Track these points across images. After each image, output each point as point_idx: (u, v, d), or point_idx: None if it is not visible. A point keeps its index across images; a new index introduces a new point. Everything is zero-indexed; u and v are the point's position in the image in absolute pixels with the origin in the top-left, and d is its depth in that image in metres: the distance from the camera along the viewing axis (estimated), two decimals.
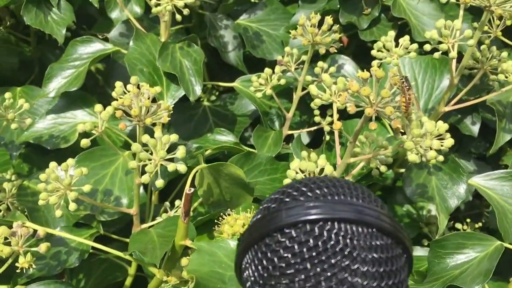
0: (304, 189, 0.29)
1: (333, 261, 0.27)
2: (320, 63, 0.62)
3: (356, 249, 0.27)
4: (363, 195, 0.29)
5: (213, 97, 0.82)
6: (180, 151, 0.46)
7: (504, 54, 0.63)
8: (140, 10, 0.72)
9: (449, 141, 0.57)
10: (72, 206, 0.48)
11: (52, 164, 0.49)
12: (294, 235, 0.27)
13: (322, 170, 0.50)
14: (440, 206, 0.56)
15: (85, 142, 0.47)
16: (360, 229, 0.28)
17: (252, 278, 0.29)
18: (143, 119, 0.49)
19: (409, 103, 0.46)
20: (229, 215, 0.50)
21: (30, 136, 0.65)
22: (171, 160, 0.47)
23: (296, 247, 0.27)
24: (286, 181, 0.48)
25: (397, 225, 0.29)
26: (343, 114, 0.62)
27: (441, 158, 0.57)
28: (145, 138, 0.47)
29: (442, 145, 0.56)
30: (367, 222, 0.28)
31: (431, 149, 0.46)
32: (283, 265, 0.27)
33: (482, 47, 0.64)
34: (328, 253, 0.27)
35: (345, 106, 0.45)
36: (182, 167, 0.46)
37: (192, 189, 0.42)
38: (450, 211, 0.57)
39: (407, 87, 0.46)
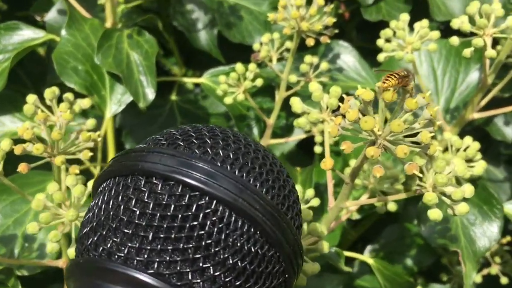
0: (205, 139, 0.24)
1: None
2: (308, 58, 0.47)
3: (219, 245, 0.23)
4: (273, 184, 0.24)
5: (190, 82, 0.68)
6: None
7: None
8: None
9: (480, 166, 0.43)
10: None
11: None
12: (159, 191, 0.23)
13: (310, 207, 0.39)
14: (466, 251, 0.43)
15: None
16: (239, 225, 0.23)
17: (95, 209, 0.24)
18: (55, 155, 0.35)
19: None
20: None
21: None
22: None
23: (150, 206, 0.23)
24: None
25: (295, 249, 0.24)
26: None
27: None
28: (52, 188, 0.33)
29: (471, 173, 0.42)
30: (256, 221, 0.23)
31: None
32: (125, 215, 0.23)
33: None
34: (181, 233, 0.22)
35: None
36: None
37: None
38: (479, 256, 0.43)
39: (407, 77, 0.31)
